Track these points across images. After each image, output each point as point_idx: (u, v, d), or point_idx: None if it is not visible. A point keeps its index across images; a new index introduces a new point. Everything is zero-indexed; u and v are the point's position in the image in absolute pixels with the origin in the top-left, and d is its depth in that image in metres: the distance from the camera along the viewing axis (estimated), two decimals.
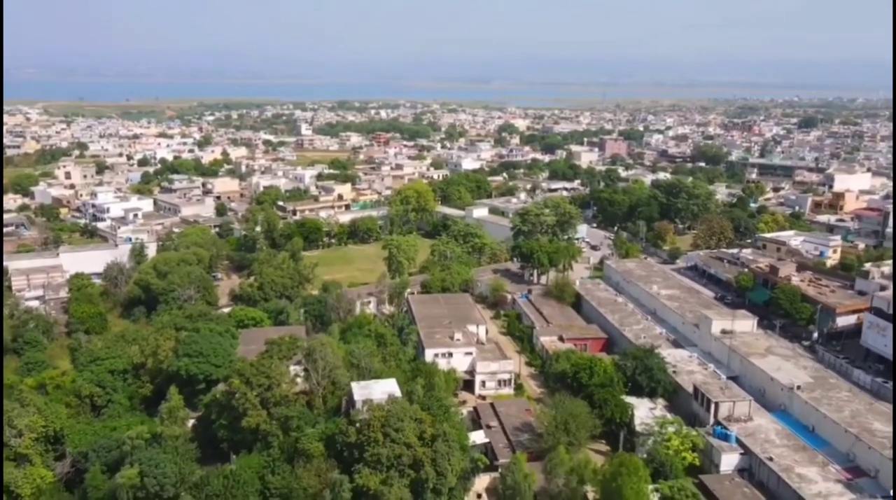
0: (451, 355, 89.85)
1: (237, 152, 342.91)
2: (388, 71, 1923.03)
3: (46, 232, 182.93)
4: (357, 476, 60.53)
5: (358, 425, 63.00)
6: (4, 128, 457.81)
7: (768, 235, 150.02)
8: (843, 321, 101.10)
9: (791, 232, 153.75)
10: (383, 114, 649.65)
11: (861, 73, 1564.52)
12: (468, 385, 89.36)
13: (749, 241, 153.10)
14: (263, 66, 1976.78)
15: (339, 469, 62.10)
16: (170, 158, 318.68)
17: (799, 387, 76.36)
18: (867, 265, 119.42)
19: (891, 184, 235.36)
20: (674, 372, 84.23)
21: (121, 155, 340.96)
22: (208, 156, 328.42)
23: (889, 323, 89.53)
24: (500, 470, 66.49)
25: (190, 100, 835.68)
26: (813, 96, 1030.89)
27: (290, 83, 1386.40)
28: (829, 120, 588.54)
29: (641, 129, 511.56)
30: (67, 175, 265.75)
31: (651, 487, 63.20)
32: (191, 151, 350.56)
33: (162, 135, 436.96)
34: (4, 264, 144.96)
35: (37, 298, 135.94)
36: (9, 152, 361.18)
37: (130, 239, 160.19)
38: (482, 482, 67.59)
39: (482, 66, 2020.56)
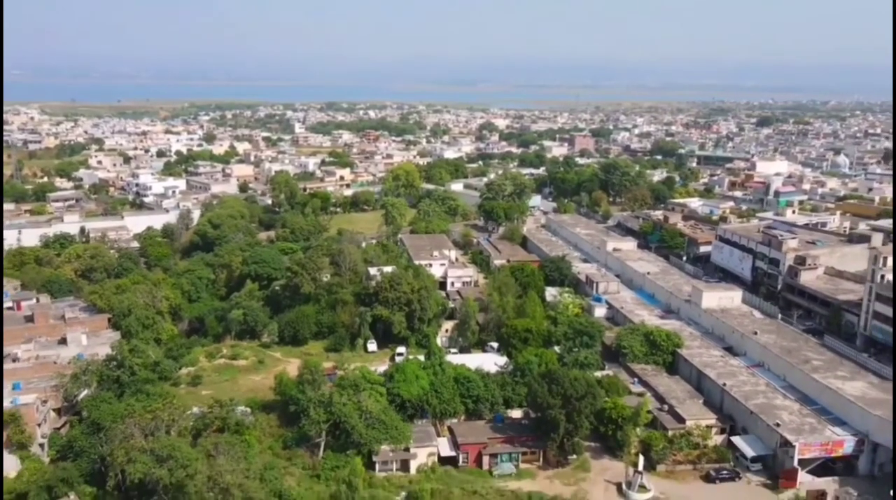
0: (430, 265, 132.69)
1: (242, 146, 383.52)
2: (372, 74, 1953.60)
3: (102, 204, 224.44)
4: (374, 310, 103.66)
5: (374, 282, 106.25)
6: (16, 126, 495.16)
7: (677, 201, 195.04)
8: (705, 249, 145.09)
9: (695, 199, 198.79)
10: (372, 114, 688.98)
11: (840, 78, 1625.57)
12: (442, 286, 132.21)
13: (662, 205, 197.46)
14: (245, 69, 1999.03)
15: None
16: (183, 150, 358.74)
17: (649, 273, 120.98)
18: (732, 216, 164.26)
19: (799, 170, 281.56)
20: (578, 273, 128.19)
21: (136, 148, 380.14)
22: (217, 149, 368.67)
23: (724, 244, 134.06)
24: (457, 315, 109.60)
25: (181, 101, 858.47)
26: (788, 99, 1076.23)
27: (275, 85, 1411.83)
28: (784, 120, 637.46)
29: (611, 127, 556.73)
30: (99, 163, 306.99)
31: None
32: (199, 145, 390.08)
33: (168, 132, 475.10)
34: (82, 224, 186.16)
35: (111, 249, 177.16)
36: (31, 147, 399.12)
37: (179, 206, 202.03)
38: (449, 324, 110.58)
39: (467, 70, 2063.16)
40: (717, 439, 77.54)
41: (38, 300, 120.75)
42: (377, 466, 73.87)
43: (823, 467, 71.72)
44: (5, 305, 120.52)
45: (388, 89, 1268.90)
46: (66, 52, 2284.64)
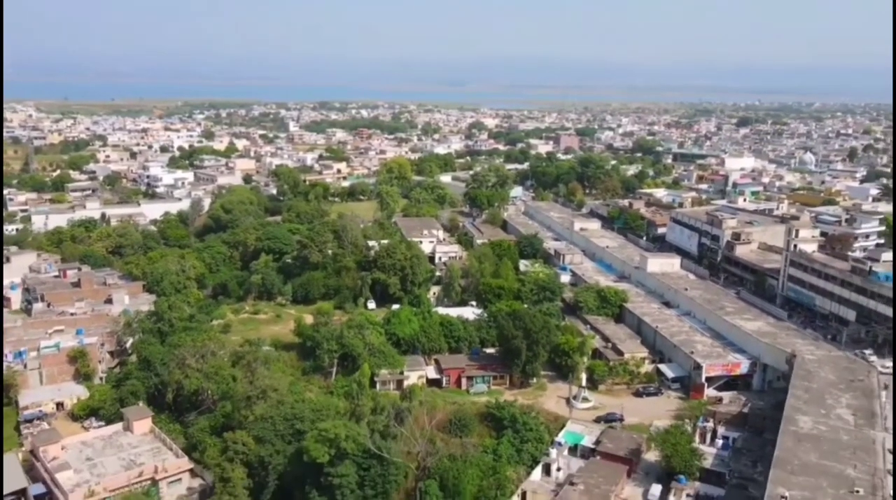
0: (421, 242, 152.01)
1: (241, 143, 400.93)
2: (362, 75, 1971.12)
3: (117, 194, 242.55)
4: (373, 274, 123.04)
5: (373, 252, 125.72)
6: (17, 123, 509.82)
7: (644, 191, 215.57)
8: (662, 230, 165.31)
9: (661, 189, 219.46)
10: (364, 113, 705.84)
11: (830, 80, 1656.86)
12: (431, 260, 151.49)
13: (631, 195, 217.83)
14: (236, 68, 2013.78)
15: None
16: (185, 146, 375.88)
17: (608, 247, 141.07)
18: (689, 204, 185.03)
19: (763, 165, 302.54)
20: (548, 248, 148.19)
21: (138, 144, 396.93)
22: (217, 145, 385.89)
23: (677, 225, 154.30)
24: (443, 280, 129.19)
25: (174, 100, 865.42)
26: (774, 100, 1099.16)
27: (266, 85, 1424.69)
28: (763, 121, 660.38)
29: (596, 127, 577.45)
30: (107, 157, 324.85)
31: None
32: (199, 141, 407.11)
33: (167, 129, 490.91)
34: (103, 211, 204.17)
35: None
36: (36, 142, 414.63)
37: (191, 195, 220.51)
38: (436, 288, 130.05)
39: (457, 70, 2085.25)
40: (648, 367, 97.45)
41: (80, 269, 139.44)
42: (377, 385, 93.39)
43: (728, 384, 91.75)
44: (51, 274, 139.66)
45: (379, 90, 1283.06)
46: (60, 50, 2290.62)
